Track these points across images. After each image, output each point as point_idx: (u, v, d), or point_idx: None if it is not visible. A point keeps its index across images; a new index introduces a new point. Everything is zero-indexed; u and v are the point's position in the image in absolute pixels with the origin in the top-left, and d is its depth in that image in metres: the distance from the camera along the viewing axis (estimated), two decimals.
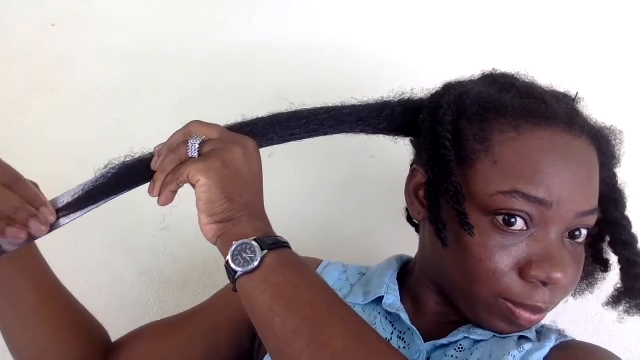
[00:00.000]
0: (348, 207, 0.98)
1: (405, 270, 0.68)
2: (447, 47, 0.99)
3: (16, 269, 0.61)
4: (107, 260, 0.98)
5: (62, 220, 0.56)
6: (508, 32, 0.98)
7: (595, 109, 0.62)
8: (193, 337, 0.68)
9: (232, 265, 0.49)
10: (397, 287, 0.65)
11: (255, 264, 0.48)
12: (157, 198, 0.55)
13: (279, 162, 0.91)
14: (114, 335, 0.94)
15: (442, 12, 1.01)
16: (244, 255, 0.49)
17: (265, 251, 0.49)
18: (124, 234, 0.98)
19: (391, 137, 0.67)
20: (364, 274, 0.71)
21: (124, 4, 1.08)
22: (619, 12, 0.95)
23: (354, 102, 0.63)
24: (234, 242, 0.49)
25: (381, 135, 0.66)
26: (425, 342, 0.58)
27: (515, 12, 0.99)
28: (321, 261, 0.74)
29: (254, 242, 0.49)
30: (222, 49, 1.05)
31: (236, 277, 0.49)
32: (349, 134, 0.63)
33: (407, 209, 0.66)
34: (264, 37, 1.04)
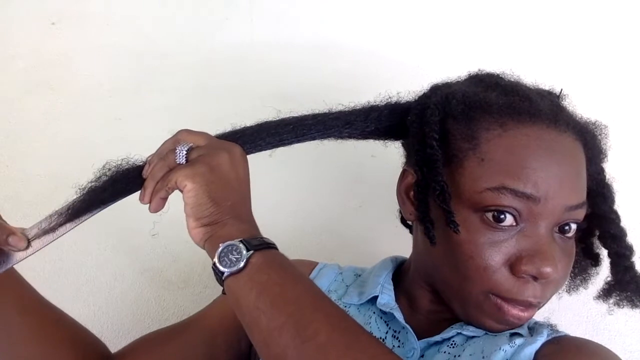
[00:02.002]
0: (348, 207, 0.98)
1: (400, 271, 0.69)
2: (446, 46, 1.00)
3: None
4: (107, 259, 0.98)
5: (60, 230, 0.57)
6: (507, 30, 0.98)
7: (580, 105, 0.63)
8: (192, 345, 0.69)
9: (219, 267, 0.50)
10: (391, 287, 0.66)
11: (241, 264, 0.50)
12: (148, 205, 0.56)
13: (279, 161, 0.91)
14: (113, 334, 0.94)
15: (441, 11, 1.01)
16: (230, 256, 0.50)
17: (251, 252, 0.50)
18: (124, 233, 0.98)
19: (381, 142, 0.67)
20: (359, 275, 0.72)
21: (124, 2, 1.08)
22: (610, 13, 0.96)
23: (340, 107, 0.63)
24: (220, 244, 0.51)
25: (371, 141, 0.67)
26: (419, 339, 0.59)
27: (514, 11, 0.99)
28: (317, 264, 0.74)
29: (239, 244, 0.50)
30: (223, 48, 1.05)
31: (223, 278, 0.50)
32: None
33: (400, 210, 0.66)
34: (265, 37, 1.04)
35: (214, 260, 0.51)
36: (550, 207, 0.55)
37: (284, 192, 0.98)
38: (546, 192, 0.54)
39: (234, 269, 0.50)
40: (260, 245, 0.51)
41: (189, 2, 1.07)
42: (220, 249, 0.50)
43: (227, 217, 0.53)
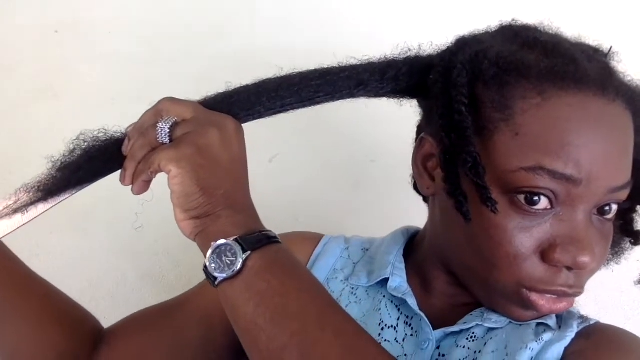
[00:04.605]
0: (349, 211, 0.97)
1: (412, 244, 0.62)
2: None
3: None
4: (110, 264, 0.98)
5: (32, 211, 0.50)
6: None
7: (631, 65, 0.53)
8: (187, 323, 0.61)
9: (211, 271, 0.43)
10: (403, 267, 0.58)
11: (236, 268, 0.42)
12: (131, 187, 0.49)
13: (279, 166, 0.91)
14: None
15: (443, 16, 1.00)
16: (224, 258, 0.43)
17: (248, 252, 0.42)
18: (126, 238, 0.98)
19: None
20: (367, 250, 0.64)
21: (126, 9, 1.07)
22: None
23: (352, 62, 0.54)
24: (212, 243, 0.43)
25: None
26: (434, 328, 0.52)
27: (516, 9, 0.99)
28: (322, 237, 0.66)
29: (234, 243, 0.43)
30: (225, 54, 1.05)
31: (216, 283, 0.43)
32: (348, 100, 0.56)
33: (414, 183, 0.59)
34: (266, 41, 1.04)
35: (205, 262, 0.43)
36: (592, 189, 0.47)
37: (283, 197, 0.97)
38: (589, 173, 0.46)
39: (229, 273, 0.42)
40: (259, 243, 0.43)
41: (190, 10, 1.07)
42: (211, 249, 0.43)
43: (219, 209, 0.45)
